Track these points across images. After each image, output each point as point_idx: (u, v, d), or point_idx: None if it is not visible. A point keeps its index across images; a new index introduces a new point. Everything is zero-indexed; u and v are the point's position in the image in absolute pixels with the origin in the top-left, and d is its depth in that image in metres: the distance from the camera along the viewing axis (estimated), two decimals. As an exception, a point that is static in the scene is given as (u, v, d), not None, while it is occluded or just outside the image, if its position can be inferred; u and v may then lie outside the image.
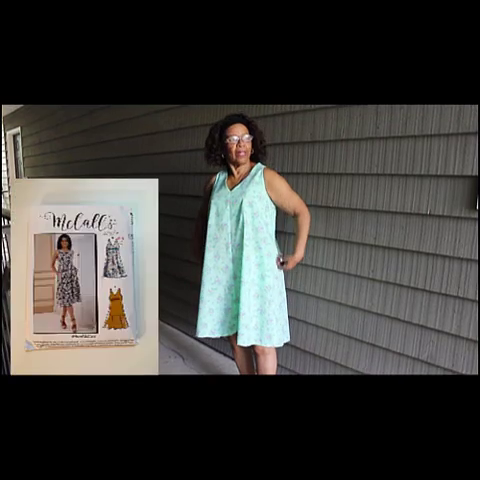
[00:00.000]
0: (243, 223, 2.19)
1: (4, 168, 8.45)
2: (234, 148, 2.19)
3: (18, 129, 7.23)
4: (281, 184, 2.26)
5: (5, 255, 3.11)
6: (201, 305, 2.33)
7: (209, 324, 2.34)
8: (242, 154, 2.20)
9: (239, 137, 2.18)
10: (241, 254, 2.22)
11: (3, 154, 8.39)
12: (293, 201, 2.28)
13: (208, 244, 2.31)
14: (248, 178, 2.26)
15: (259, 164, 2.30)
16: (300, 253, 2.29)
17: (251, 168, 2.28)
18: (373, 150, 2.16)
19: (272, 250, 2.26)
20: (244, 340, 2.22)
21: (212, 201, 2.31)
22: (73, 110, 5.11)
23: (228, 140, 2.19)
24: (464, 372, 1.98)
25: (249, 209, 2.20)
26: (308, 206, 2.31)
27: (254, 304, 2.23)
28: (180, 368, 3.10)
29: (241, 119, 2.21)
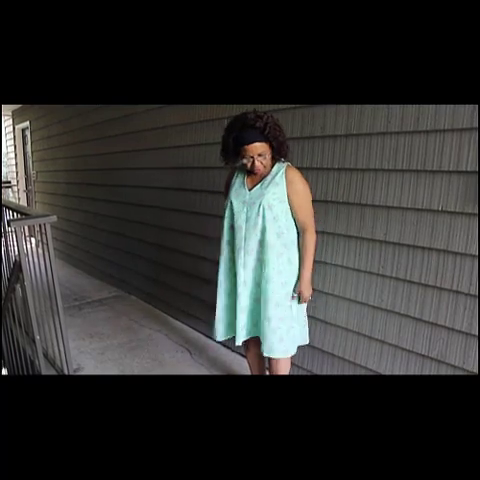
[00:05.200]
0: (262, 229, 2.07)
1: (13, 162, 8.47)
2: (249, 165, 2.05)
3: (27, 123, 7.23)
4: (302, 188, 2.11)
5: (12, 248, 3.12)
6: (225, 311, 2.29)
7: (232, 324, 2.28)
8: (257, 170, 2.06)
9: (254, 157, 2.01)
10: (254, 260, 2.13)
11: (12, 148, 8.42)
12: (305, 213, 2.13)
13: (224, 246, 2.22)
14: (269, 178, 2.09)
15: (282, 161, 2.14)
16: (306, 276, 2.17)
17: (272, 165, 2.11)
18: (384, 145, 2.13)
19: (293, 256, 2.15)
20: (275, 353, 2.19)
21: (229, 200, 2.17)
22: (80, 105, 5.09)
23: (242, 158, 2.04)
24: (475, 370, 1.96)
25: (269, 213, 2.05)
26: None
27: (275, 315, 2.13)
28: (188, 363, 3.10)
29: (259, 136, 1.97)
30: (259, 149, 1.99)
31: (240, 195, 2.14)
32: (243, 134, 1.97)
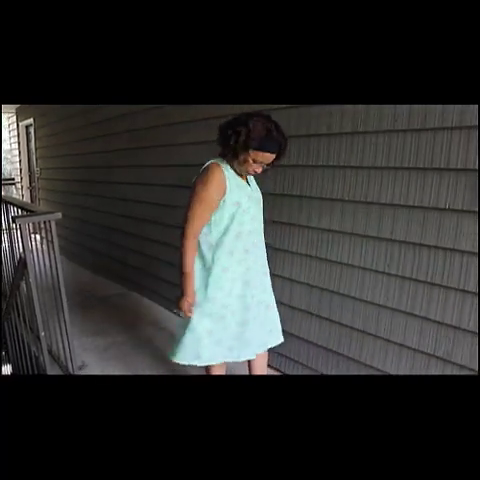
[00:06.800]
0: (263, 225, 2.07)
1: (17, 159, 8.49)
2: (247, 167, 1.95)
3: (31, 120, 7.24)
4: None
5: (17, 245, 3.12)
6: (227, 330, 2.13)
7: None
8: (250, 174, 2.02)
9: (262, 165, 1.96)
10: (263, 266, 2.13)
11: (16, 145, 8.45)
12: None
13: (239, 256, 2.01)
14: None
15: None
16: None
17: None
18: (391, 143, 2.12)
19: None
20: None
21: (240, 203, 1.96)
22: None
23: (248, 158, 1.91)
24: (481, 369, 1.95)
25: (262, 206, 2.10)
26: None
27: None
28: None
29: (278, 148, 1.92)
30: (270, 158, 1.93)
31: (246, 195, 2.00)
32: (270, 142, 1.88)
